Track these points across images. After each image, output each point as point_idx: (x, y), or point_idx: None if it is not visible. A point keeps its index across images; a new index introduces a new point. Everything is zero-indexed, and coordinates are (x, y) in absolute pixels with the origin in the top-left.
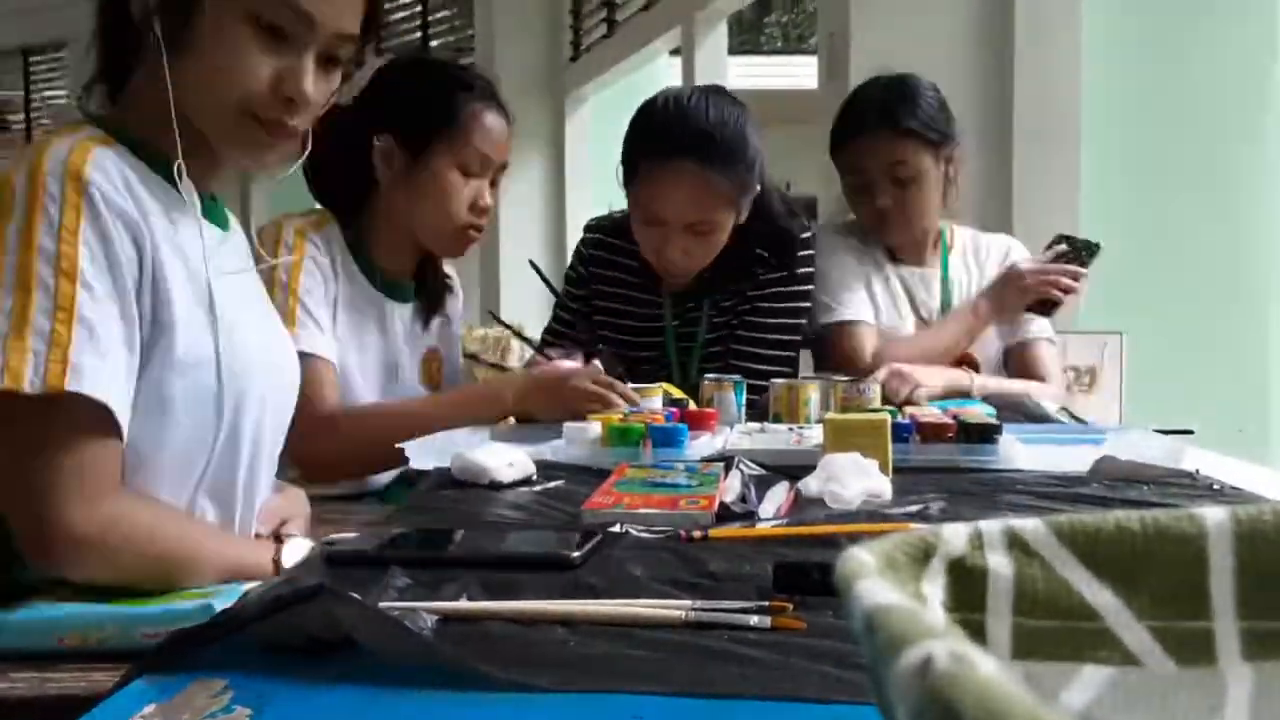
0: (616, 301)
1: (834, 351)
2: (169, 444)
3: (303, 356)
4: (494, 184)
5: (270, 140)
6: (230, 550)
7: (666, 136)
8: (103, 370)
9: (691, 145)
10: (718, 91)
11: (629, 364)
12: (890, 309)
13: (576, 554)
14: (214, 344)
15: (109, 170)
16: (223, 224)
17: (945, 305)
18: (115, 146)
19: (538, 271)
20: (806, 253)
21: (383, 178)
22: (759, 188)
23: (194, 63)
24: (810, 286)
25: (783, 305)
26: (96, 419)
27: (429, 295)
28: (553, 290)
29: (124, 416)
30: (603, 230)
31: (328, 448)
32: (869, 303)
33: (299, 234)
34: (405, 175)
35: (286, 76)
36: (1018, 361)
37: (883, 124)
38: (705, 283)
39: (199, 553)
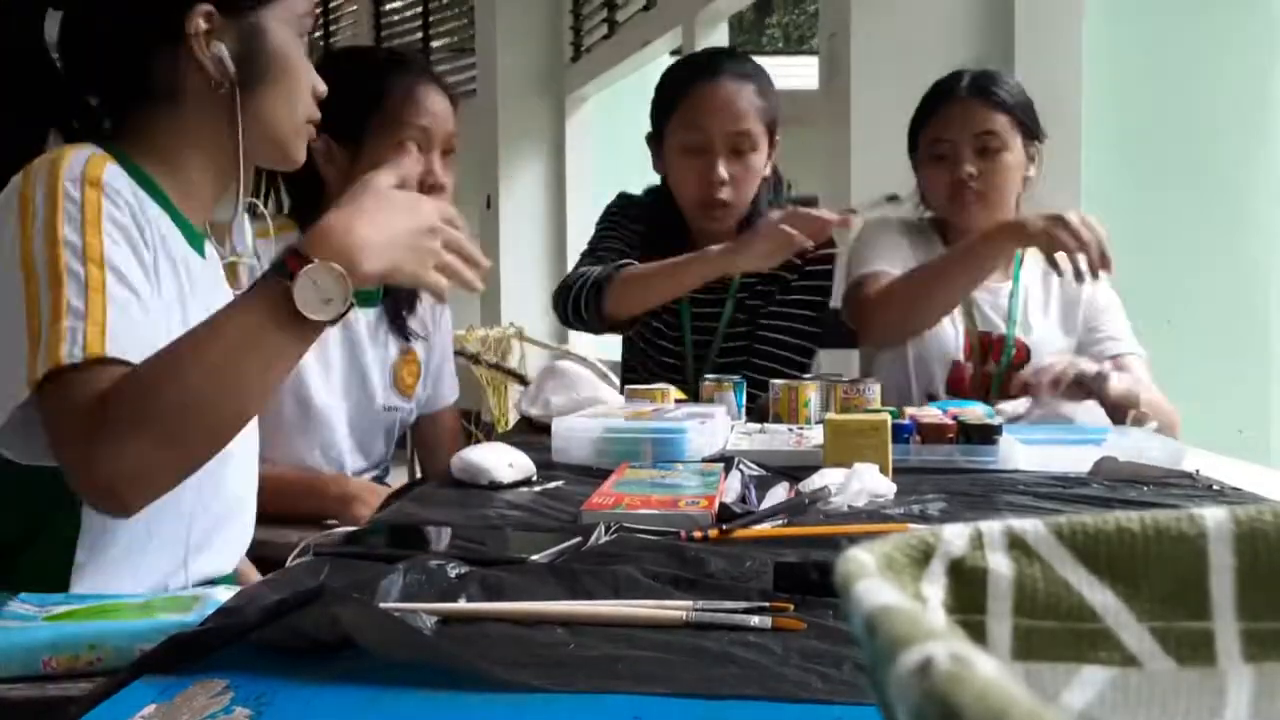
0: None
1: (851, 303)
2: None
3: None
4: (445, 155)
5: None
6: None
7: (705, 62)
8: (137, 338)
9: (728, 64)
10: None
11: (647, 359)
12: (945, 320)
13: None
14: None
15: (122, 184)
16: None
17: (1011, 318)
18: (118, 168)
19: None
20: (830, 264)
21: (330, 179)
22: (776, 171)
23: (271, 93)
24: (830, 282)
25: (806, 312)
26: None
27: (396, 299)
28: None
29: None
30: (635, 206)
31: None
32: (902, 264)
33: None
34: (349, 171)
35: (316, 81)
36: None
37: (975, 94)
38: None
39: (192, 344)
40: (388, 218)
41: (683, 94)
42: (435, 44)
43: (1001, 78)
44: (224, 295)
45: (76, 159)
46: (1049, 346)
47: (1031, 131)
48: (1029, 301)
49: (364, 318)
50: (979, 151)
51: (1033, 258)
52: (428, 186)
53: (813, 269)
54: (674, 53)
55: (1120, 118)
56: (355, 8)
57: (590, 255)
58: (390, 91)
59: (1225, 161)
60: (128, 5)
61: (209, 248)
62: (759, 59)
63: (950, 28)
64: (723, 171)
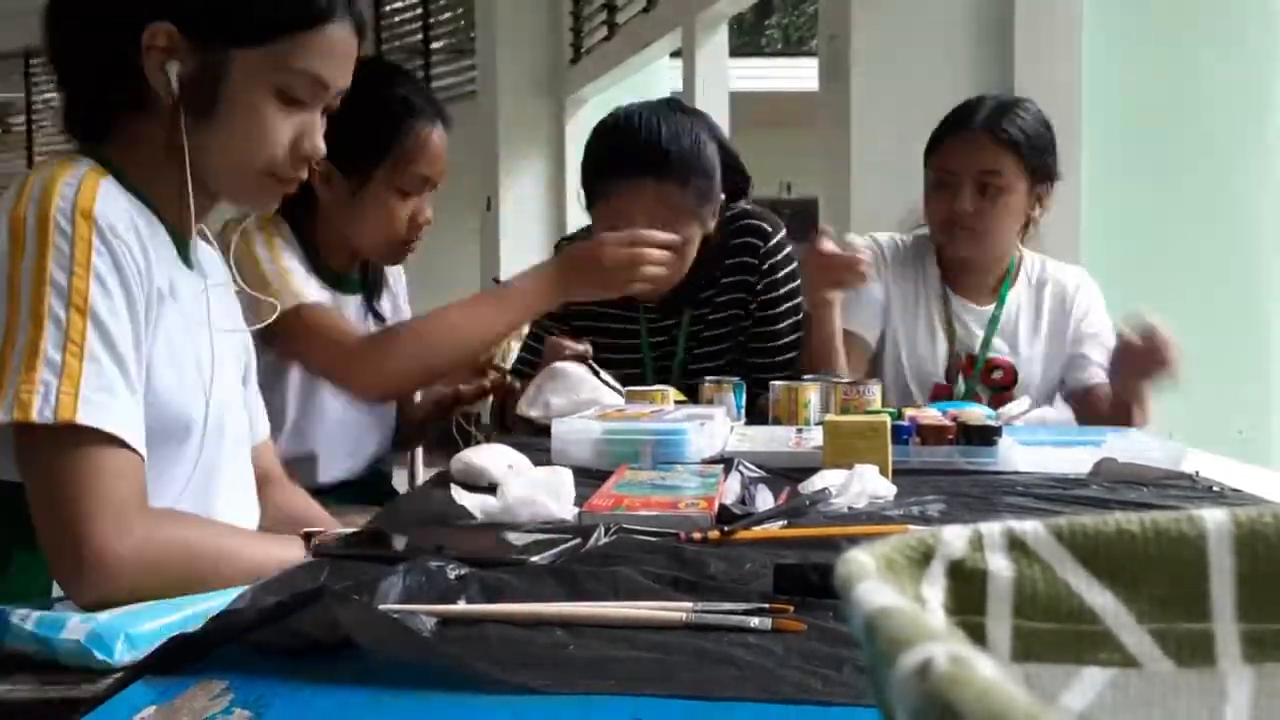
0: (593, 317)
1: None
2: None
3: (296, 312)
4: (434, 188)
5: (283, 191)
6: (264, 549)
7: (620, 156)
8: (112, 405)
9: (646, 163)
10: (670, 105)
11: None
12: (927, 340)
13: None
14: (204, 394)
15: (117, 208)
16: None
17: (987, 342)
18: (110, 181)
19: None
20: (785, 249)
21: (322, 195)
22: (722, 196)
23: (216, 130)
24: (798, 280)
25: (787, 306)
26: (112, 446)
27: (370, 285)
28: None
29: (139, 441)
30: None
31: (372, 375)
32: (871, 320)
33: (268, 236)
34: (347, 203)
35: (304, 136)
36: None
37: (986, 128)
38: (679, 296)
39: (236, 557)
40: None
41: (596, 190)
42: (435, 45)
43: (1021, 112)
44: (201, 309)
45: (68, 185)
46: (1037, 367)
47: (1042, 173)
48: (1018, 322)
49: (350, 304)
50: (980, 188)
51: (1023, 278)
52: (414, 226)
53: (772, 262)
54: (674, 55)
55: (1120, 119)
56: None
57: (535, 325)
58: (401, 141)
59: (1225, 163)
60: (99, 10)
61: (198, 257)
62: (759, 61)
63: (950, 29)
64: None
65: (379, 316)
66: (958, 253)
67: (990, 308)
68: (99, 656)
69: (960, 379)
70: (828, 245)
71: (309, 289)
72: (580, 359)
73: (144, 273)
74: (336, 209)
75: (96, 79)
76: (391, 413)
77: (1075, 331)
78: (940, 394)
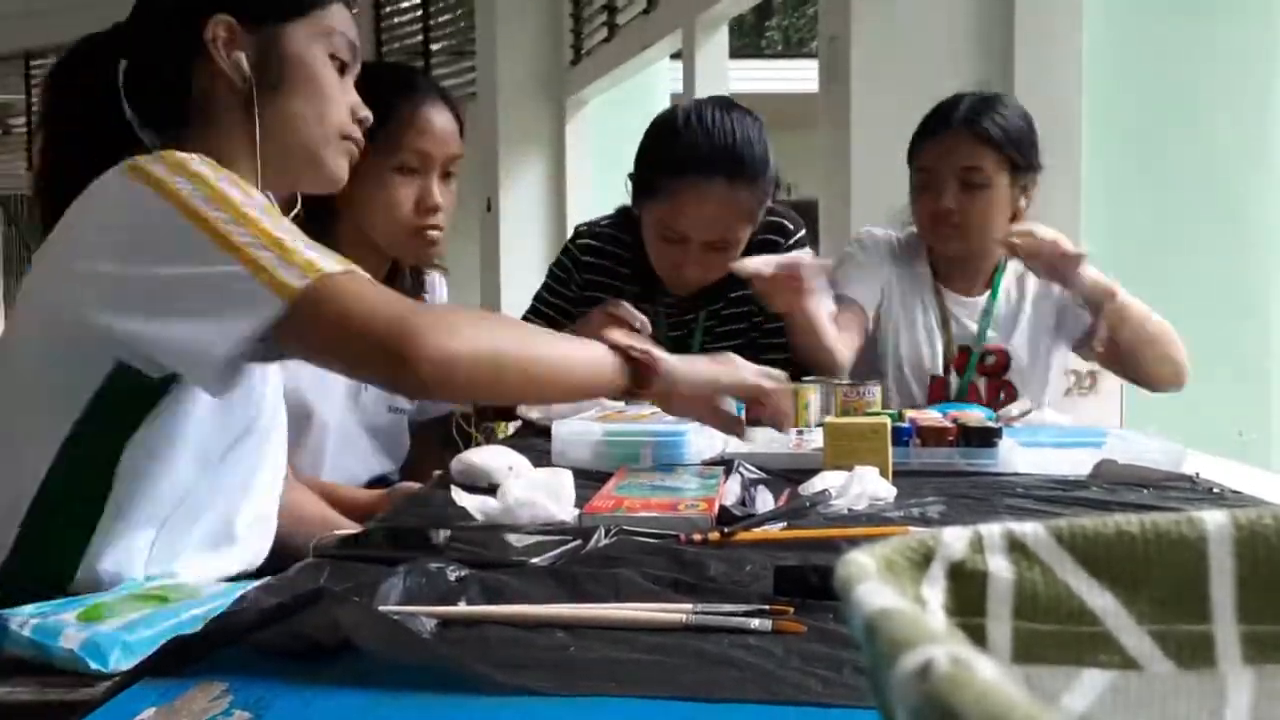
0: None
1: None
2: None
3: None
4: (447, 177)
5: (352, 155)
6: (562, 349)
7: (695, 156)
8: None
9: (722, 165)
10: (733, 106)
11: None
12: (925, 337)
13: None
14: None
15: None
16: None
17: (981, 333)
18: None
19: None
20: (804, 248)
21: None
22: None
23: (290, 101)
24: None
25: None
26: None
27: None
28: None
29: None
30: (596, 237)
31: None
32: (870, 289)
33: None
34: (348, 190)
35: (357, 106)
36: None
37: (965, 126)
38: (704, 292)
39: (544, 358)
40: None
41: (661, 185)
42: (435, 47)
43: (1000, 106)
44: None
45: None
46: (1024, 353)
47: (1024, 165)
48: (1003, 315)
49: None
50: (962, 185)
51: (1012, 268)
52: (424, 209)
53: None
54: (675, 56)
55: (1120, 121)
56: (355, 11)
57: (531, 311)
58: (392, 114)
59: (1225, 165)
60: (155, 19)
61: None
62: (759, 62)
63: (950, 31)
64: (695, 268)
65: None
66: (946, 250)
67: (981, 299)
68: (93, 665)
69: (954, 374)
70: (753, 268)
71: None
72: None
73: None
74: (343, 203)
75: (166, 81)
76: (404, 439)
77: (1064, 299)
78: (938, 389)
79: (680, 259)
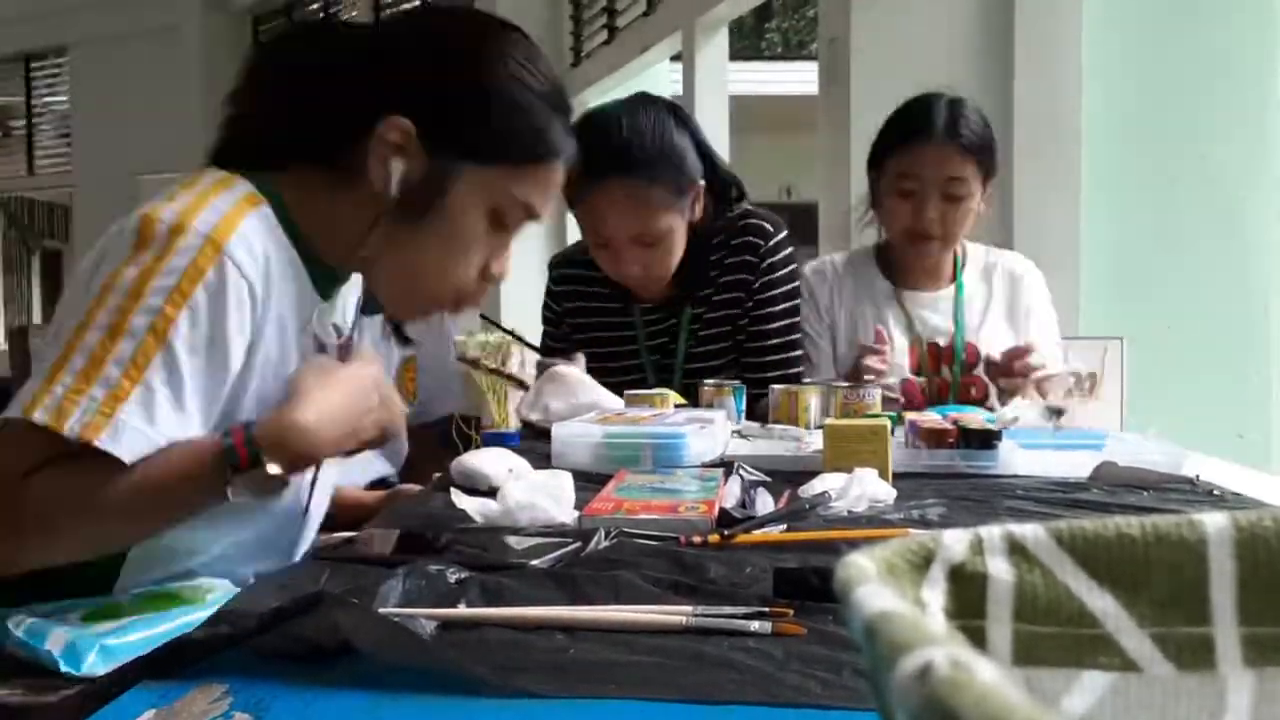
0: (591, 328)
1: None
2: None
3: None
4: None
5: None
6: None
7: (588, 159)
8: (142, 436)
9: (610, 162)
10: (635, 100)
11: (610, 386)
12: (891, 344)
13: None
14: None
15: (252, 243)
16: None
17: (959, 325)
18: (265, 212)
19: (495, 324)
20: (784, 250)
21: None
22: (702, 182)
23: (419, 235)
24: (797, 282)
25: (783, 306)
26: (106, 462)
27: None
28: (509, 333)
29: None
30: (567, 263)
31: None
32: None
33: None
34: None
35: (494, 260)
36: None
37: (949, 137)
38: (678, 292)
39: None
40: (331, 406)
41: (579, 197)
42: None
43: (968, 112)
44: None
45: (213, 209)
46: (997, 344)
47: (991, 171)
48: (972, 304)
49: (370, 329)
50: (944, 196)
51: (971, 263)
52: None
53: (770, 261)
54: (675, 58)
55: (1120, 122)
56: (355, 13)
57: (543, 349)
58: None
59: (1225, 167)
60: (352, 79)
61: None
62: (759, 64)
63: (950, 33)
64: (633, 266)
65: (405, 340)
66: (922, 259)
67: (943, 292)
68: (64, 668)
69: (945, 370)
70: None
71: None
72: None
73: (258, 313)
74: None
75: (307, 128)
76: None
77: (1027, 317)
78: (911, 388)
79: (614, 260)
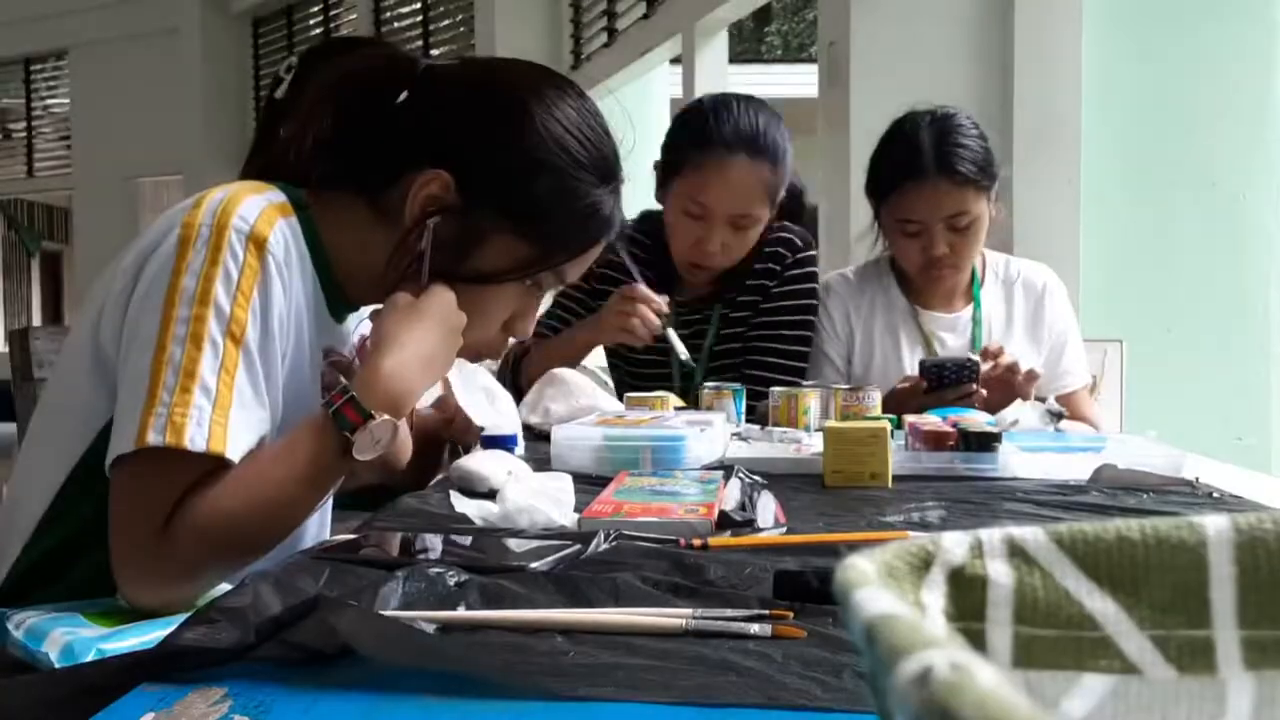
0: None
1: None
2: None
3: None
4: None
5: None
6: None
7: (720, 132)
8: (243, 438)
9: (743, 141)
10: (756, 100)
11: (635, 378)
12: (907, 358)
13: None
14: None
15: (287, 245)
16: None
17: (975, 344)
18: (293, 222)
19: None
20: (811, 265)
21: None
22: (783, 192)
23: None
24: (814, 301)
25: (793, 318)
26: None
27: None
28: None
29: None
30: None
31: None
32: (843, 346)
33: None
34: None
35: (519, 318)
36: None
37: (942, 173)
38: (712, 291)
39: (281, 493)
40: (419, 342)
41: (687, 161)
42: (435, 53)
43: (961, 133)
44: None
45: (249, 207)
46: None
47: (993, 183)
48: (992, 323)
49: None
50: (951, 229)
51: (990, 276)
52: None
53: (793, 273)
54: (674, 61)
55: (1120, 124)
56: (355, 16)
57: (547, 314)
58: None
59: (1225, 169)
60: (411, 120)
61: (353, 318)
62: (759, 67)
63: (949, 35)
64: (716, 244)
65: None
66: (939, 287)
67: (961, 313)
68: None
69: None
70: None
71: None
72: (659, 315)
73: (290, 313)
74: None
75: (358, 158)
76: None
77: (1050, 330)
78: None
79: (703, 234)
